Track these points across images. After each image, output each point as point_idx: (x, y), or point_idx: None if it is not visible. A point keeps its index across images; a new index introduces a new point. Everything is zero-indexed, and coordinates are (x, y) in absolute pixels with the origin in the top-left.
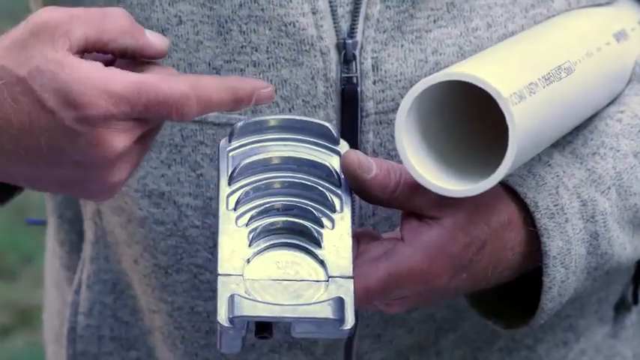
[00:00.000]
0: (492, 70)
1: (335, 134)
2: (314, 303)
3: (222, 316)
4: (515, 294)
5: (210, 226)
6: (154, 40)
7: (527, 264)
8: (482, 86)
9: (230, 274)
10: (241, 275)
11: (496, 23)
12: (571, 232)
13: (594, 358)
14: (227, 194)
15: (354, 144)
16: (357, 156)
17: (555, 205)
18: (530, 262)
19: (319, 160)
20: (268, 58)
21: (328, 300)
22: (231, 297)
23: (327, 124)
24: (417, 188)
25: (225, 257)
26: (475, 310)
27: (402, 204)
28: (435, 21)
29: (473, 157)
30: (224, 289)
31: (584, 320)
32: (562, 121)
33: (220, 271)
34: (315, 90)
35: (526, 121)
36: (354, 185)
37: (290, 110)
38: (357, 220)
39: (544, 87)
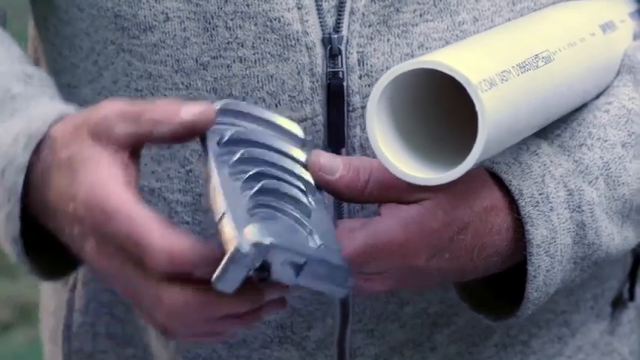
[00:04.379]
0: (463, 58)
1: (301, 136)
2: (326, 249)
3: (244, 240)
4: (505, 287)
5: (200, 222)
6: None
7: (515, 251)
8: (450, 73)
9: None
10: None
11: (483, 17)
12: (556, 221)
13: (591, 355)
14: (218, 153)
15: (341, 138)
16: (318, 158)
17: (540, 194)
18: (518, 250)
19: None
20: (254, 54)
21: (338, 248)
22: (253, 225)
23: (294, 127)
24: (388, 184)
25: (227, 198)
26: (466, 304)
27: (377, 200)
28: (421, 15)
29: (448, 146)
30: (238, 223)
31: (580, 316)
32: (540, 109)
33: (224, 210)
34: (302, 85)
35: (498, 108)
36: (322, 186)
37: (276, 106)
38: (346, 215)
39: (518, 75)
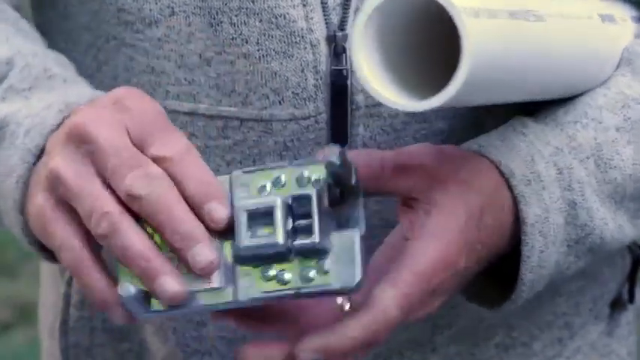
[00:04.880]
0: None
1: None
2: None
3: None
4: (505, 284)
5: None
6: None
7: (513, 234)
8: None
9: None
10: None
11: None
12: (548, 200)
13: (589, 356)
14: None
15: (344, 137)
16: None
17: (532, 172)
18: (514, 233)
19: None
20: (258, 50)
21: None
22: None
23: None
24: (399, 170)
25: None
26: (464, 295)
27: (389, 187)
28: None
29: (440, 84)
30: None
31: (580, 318)
32: (531, 61)
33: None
34: (305, 82)
35: (484, 38)
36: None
37: (280, 103)
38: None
39: (506, 18)
